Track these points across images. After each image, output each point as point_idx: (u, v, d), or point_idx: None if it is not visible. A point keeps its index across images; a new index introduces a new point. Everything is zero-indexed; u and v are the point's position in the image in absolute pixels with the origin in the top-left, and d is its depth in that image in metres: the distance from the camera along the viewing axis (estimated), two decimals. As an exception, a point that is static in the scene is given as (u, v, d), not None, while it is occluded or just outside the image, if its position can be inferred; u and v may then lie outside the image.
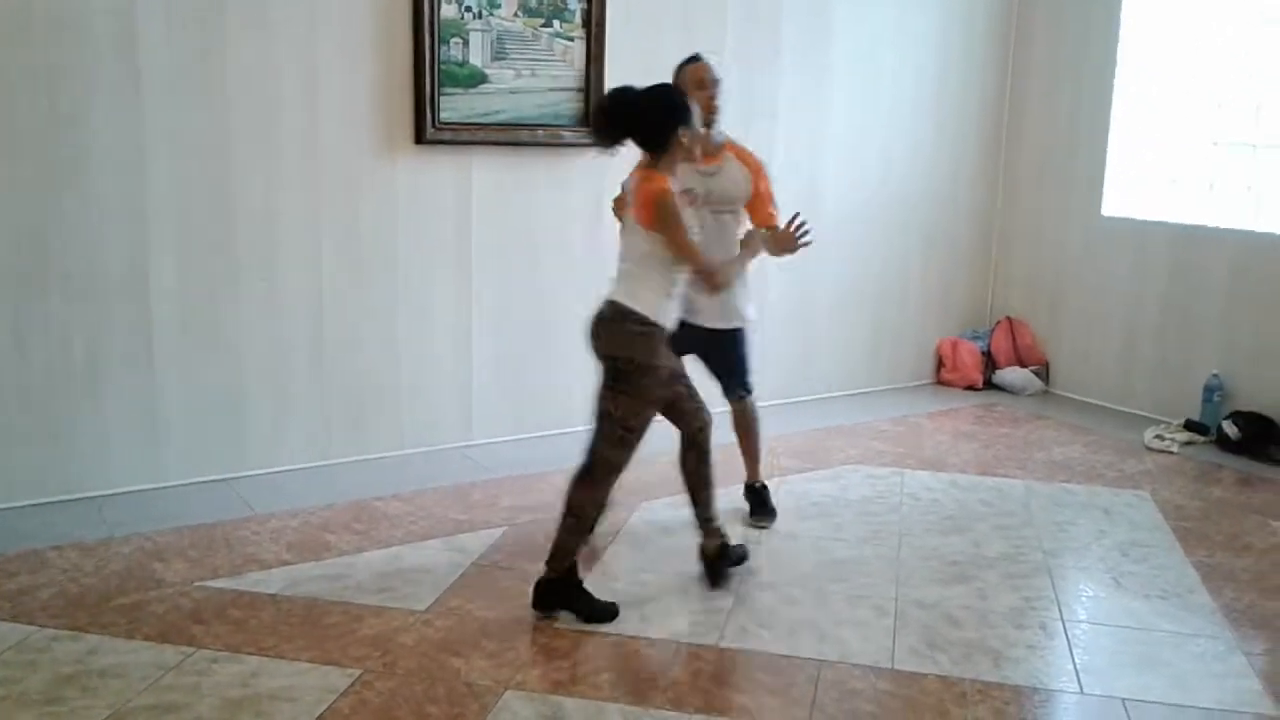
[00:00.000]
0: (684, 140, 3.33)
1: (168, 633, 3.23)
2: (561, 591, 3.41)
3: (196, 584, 3.57)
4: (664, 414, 3.53)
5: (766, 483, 4.33)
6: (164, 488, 4.41)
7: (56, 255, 4.12)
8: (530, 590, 3.43)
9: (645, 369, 3.31)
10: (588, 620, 3.37)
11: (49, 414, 4.20)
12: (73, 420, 4.24)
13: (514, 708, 2.88)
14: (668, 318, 3.36)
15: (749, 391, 4.14)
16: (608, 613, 3.40)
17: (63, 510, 4.16)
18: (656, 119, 3.30)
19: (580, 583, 3.44)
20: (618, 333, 3.31)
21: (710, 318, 3.93)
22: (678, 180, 3.52)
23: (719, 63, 3.93)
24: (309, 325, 4.66)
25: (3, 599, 3.42)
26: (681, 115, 3.32)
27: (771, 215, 3.93)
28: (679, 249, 3.28)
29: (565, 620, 3.39)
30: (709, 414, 3.61)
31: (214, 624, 3.30)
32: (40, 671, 2.99)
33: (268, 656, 3.11)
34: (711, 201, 3.86)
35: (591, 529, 3.55)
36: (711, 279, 3.38)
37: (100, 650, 3.12)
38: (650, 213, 3.27)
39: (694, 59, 3.91)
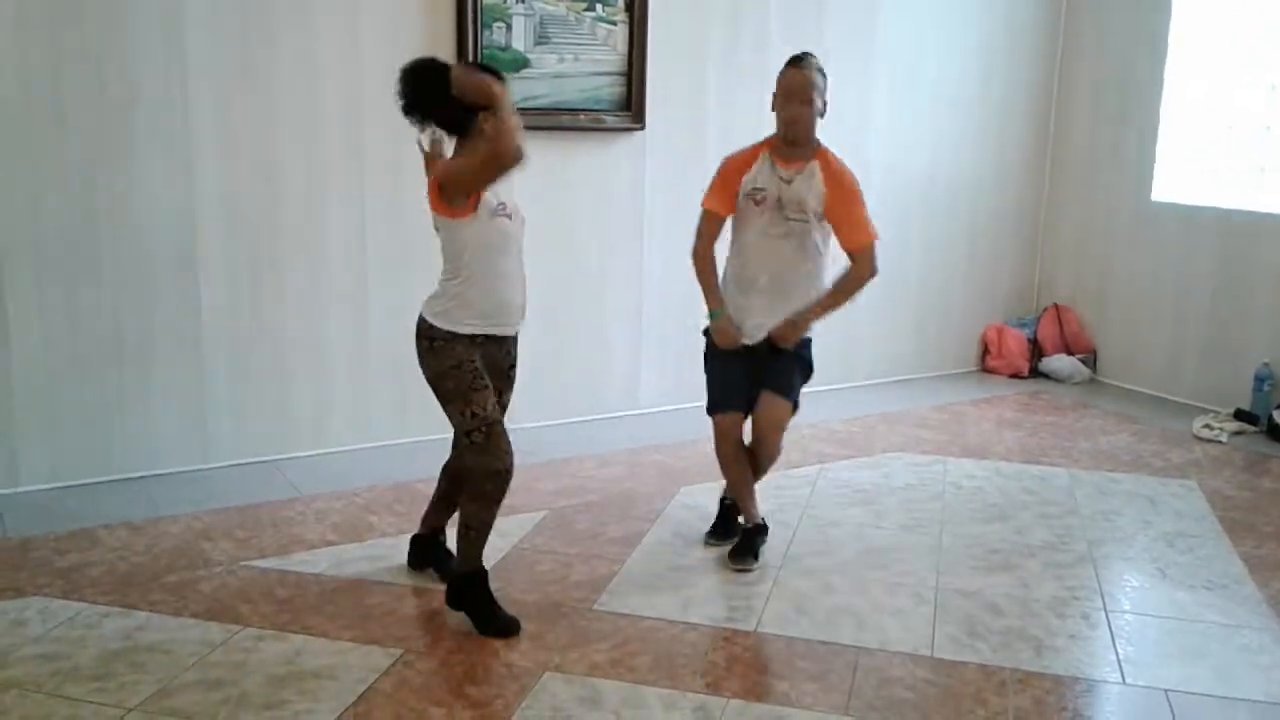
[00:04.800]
0: (486, 128, 2.96)
1: (215, 611, 3.28)
2: (469, 593, 3.23)
3: (243, 563, 3.63)
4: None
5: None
6: (211, 469, 4.48)
7: (107, 238, 4.19)
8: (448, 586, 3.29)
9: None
10: (486, 633, 3.19)
11: (101, 396, 4.28)
12: (123, 402, 4.32)
13: (552, 689, 2.90)
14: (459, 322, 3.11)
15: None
16: (511, 628, 3.21)
17: (113, 490, 4.24)
18: (455, 100, 2.99)
19: (490, 593, 3.26)
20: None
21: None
22: (755, 178, 3.50)
23: (816, 65, 3.56)
24: (353, 309, 4.71)
25: (55, 576, 3.50)
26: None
27: (858, 237, 3.57)
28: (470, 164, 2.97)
29: (604, 604, 3.41)
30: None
31: (260, 603, 3.35)
32: (90, 647, 3.06)
33: (312, 635, 3.15)
34: (783, 207, 3.56)
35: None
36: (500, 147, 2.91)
37: (148, 627, 3.18)
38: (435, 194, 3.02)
39: (793, 61, 3.54)
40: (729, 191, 3.63)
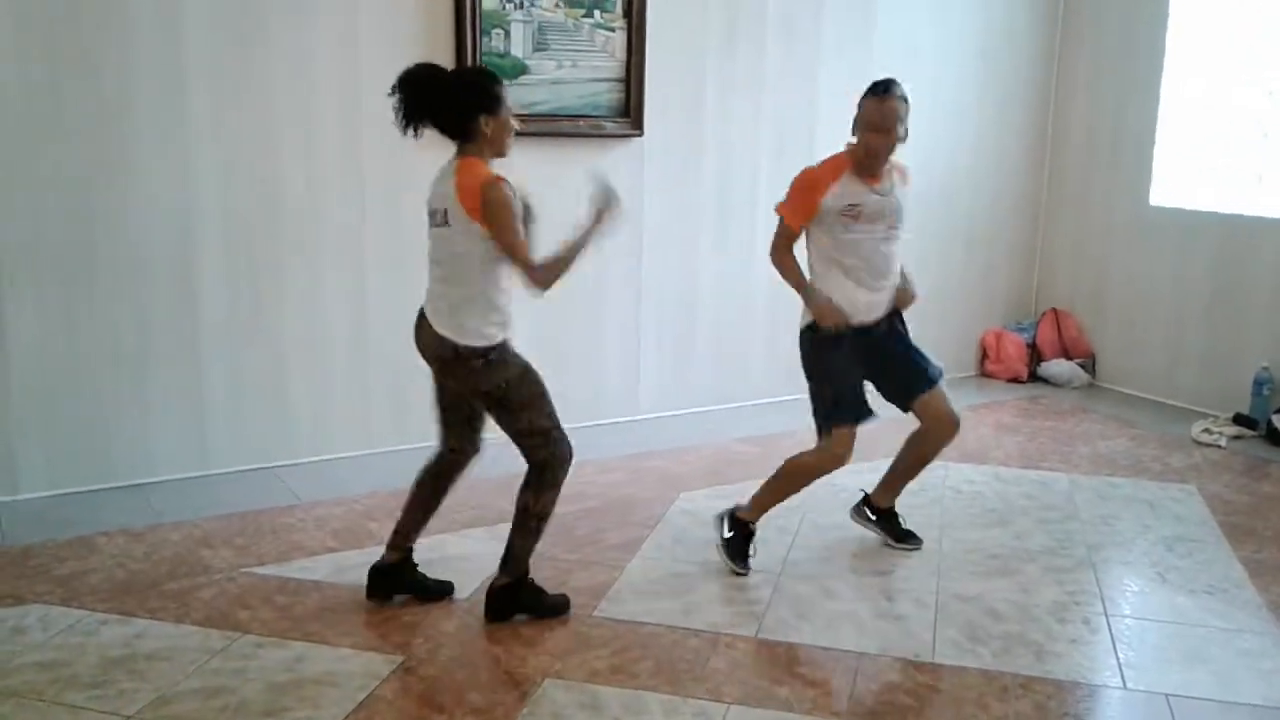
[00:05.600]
0: (487, 130, 3.08)
1: (214, 618, 3.28)
2: (516, 595, 3.32)
3: (243, 570, 3.62)
4: (445, 420, 3.38)
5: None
6: (211, 475, 4.48)
7: (105, 245, 4.18)
8: (488, 599, 3.33)
9: (513, 385, 3.18)
10: (548, 615, 3.33)
11: (99, 403, 4.27)
12: (121, 409, 4.32)
13: (553, 696, 2.90)
14: (504, 329, 3.21)
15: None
16: (564, 604, 3.38)
17: (112, 497, 4.23)
18: (457, 103, 3.07)
19: (532, 580, 3.36)
20: (465, 373, 3.16)
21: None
22: (844, 195, 3.50)
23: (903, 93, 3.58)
24: (352, 315, 4.71)
25: (54, 583, 3.49)
26: (486, 103, 3.08)
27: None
28: (506, 245, 3.08)
29: (604, 610, 3.40)
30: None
31: (260, 609, 3.34)
32: (89, 654, 3.05)
33: (312, 642, 3.15)
34: (885, 217, 3.62)
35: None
36: (536, 277, 3.12)
37: (148, 634, 3.17)
38: (475, 201, 3.05)
39: (874, 90, 3.55)
40: (809, 207, 3.59)
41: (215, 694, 2.87)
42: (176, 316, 4.36)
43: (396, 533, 3.45)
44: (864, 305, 3.64)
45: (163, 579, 3.54)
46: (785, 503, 4.33)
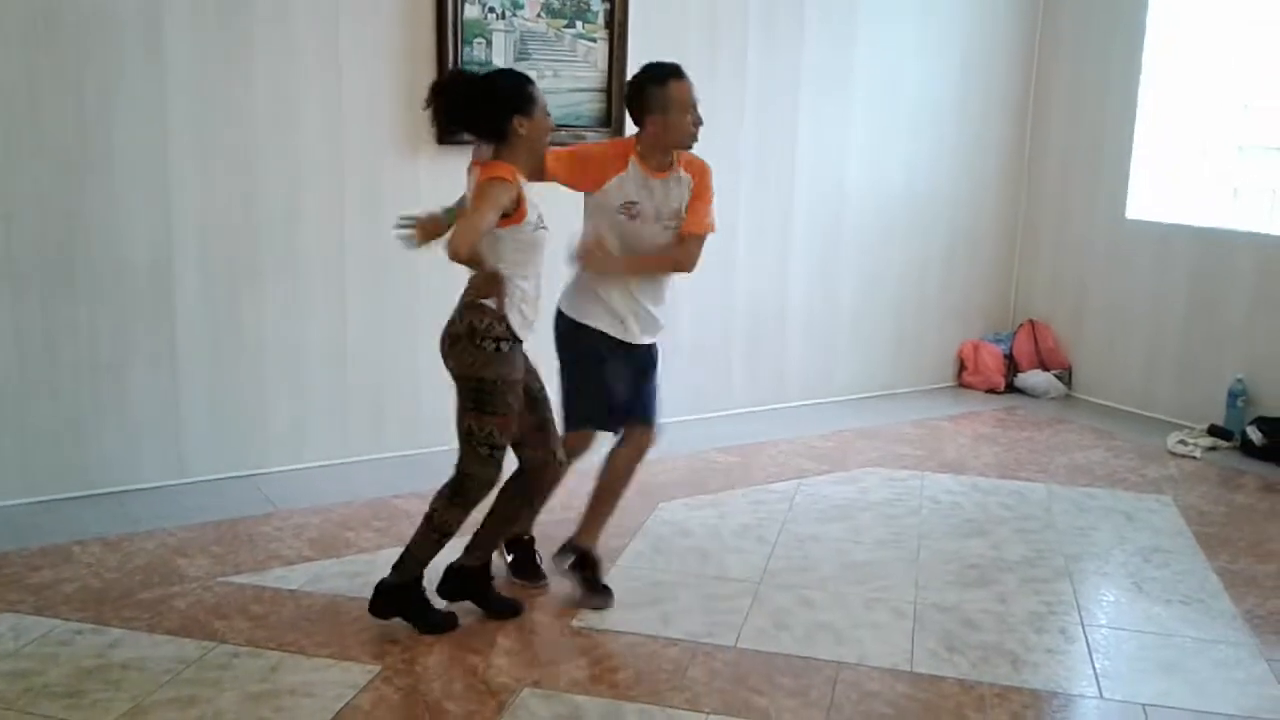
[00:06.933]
0: (521, 131, 3.08)
1: (190, 627, 3.26)
2: (401, 598, 3.27)
3: (219, 579, 3.60)
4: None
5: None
6: (187, 484, 4.45)
7: (83, 254, 4.16)
8: (373, 595, 3.29)
9: (502, 387, 3.15)
10: (424, 631, 3.26)
11: (75, 410, 4.24)
12: (98, 416, 4.28)
13: (531, 706, 2.89)
14: (520, 325, 3.17)
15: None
16: (446, 624, 3.31)
17: (87, 505, 4.20)
18: (491, 106, 3.08)
19: (423, 591, 3.31)
20: (471, 354, 3.16)
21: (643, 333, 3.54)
22: (624, 191, 3.39)
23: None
24: (331, 323, 4.69)
25: (27, 592, 3.46)
26: (519, 104, 3.09)
27: (698, 224, 3.50)
28: (461, 220, 3.01)
29: (579, 619, 3.40)
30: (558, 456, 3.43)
31: (235, 619, 3.32)
32: (62, 664, 3.02)
33: (288, 652, 3.13)
34: (660, 218, 3.46)
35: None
36: (459, 242, 2.95)
37: (122, 644, 3.15)
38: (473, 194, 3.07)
39: (676, 72, 3.40)
40: (589, 176, 3.43)
41: (190, 704, 2.85)
42: (155, 325, 4.33)
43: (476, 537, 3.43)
44: (635, 316, 3.53)
45: (137, 588, 3.51)
46: (766, 513, 4.35)
